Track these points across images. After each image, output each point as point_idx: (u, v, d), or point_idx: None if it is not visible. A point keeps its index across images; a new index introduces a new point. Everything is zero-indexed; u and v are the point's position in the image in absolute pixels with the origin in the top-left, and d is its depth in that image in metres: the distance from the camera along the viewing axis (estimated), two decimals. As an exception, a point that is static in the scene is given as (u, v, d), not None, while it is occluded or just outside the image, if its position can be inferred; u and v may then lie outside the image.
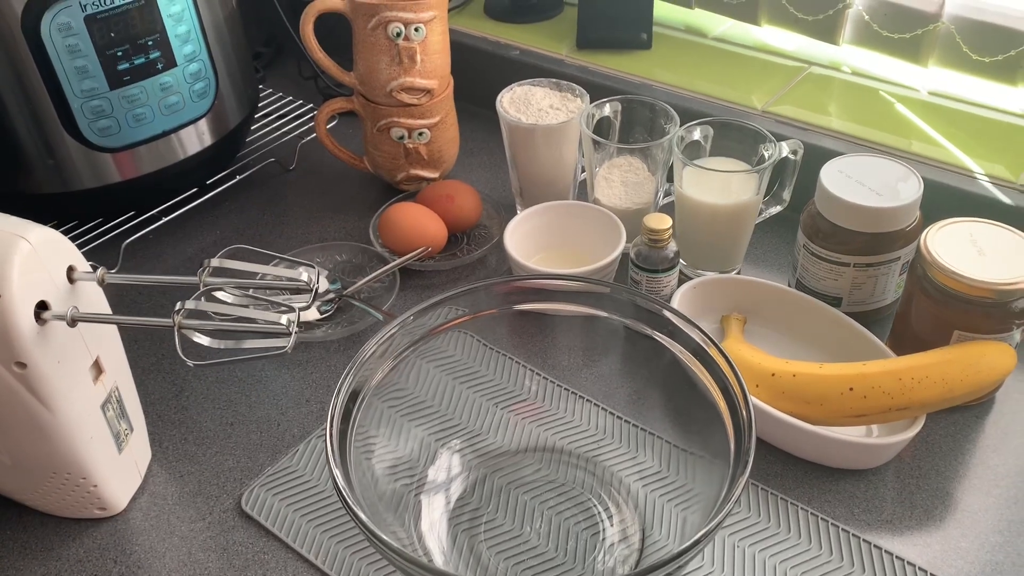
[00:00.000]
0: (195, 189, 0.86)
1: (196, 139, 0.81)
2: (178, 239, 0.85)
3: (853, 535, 0.57)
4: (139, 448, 0.62)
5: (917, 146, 0.77)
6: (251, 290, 0.53)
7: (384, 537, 0.45)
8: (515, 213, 0.85)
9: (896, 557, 0.56)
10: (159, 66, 0.75)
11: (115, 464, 0.59)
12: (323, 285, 0.76)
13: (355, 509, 0.46)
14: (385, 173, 0.87)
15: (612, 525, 0.58)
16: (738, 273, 0.77)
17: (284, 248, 0.82)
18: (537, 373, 0.64)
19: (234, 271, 0.52)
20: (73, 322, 0.51)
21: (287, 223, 0.87)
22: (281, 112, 0.97)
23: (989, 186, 0.73)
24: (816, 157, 0.73)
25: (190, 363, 0.50)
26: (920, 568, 0.55)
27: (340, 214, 0.87)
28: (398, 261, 0.75)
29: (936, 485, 0.60)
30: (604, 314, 0.59)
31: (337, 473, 0.48)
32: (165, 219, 0.83)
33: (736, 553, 0.56)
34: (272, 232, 0.86)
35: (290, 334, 0.49)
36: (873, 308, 0.70)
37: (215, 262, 0.52)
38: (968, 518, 0.58)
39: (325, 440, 0.49)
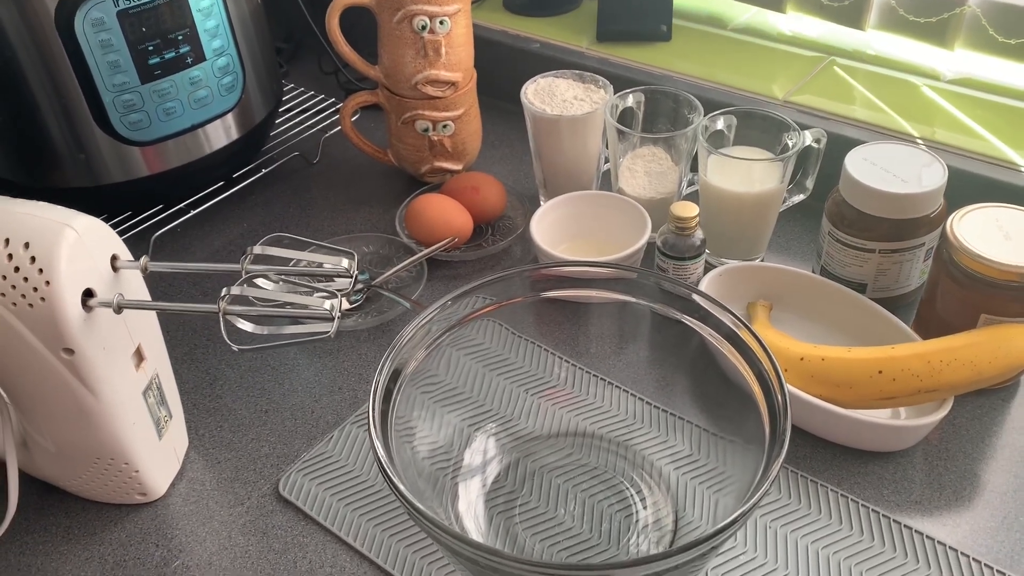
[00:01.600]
0: (222, 183, 0.87)
1: (223, 133, 0.82)
2: (206, 232, 0.86)
3: (883, 515, 0.58)
4: (177, 435, 0.63)
5: (941, 133, 0.78)
6: (292, 277, 0.54)
7: (424, 510, 0.46)
8: (539, 204, 0.85)
9: (926, 537, 0.56)
10: (189, 60, 0.76)
11: (155, 450, 0.60)
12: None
13: (396, 482, 0.47)
14: (409, 165, 0.88)
15: (645, 508, 0.59)
16: (762, 261, 0.78)
17: (314, 240, 0.83)
18: (566, 360, 0.65)
19: (275, 258, 0.53)
20: (119, 309, 0.52)
21: (313, 215, 0.88)
22: (304, 107, 0.98)
23: (1014, 172, 0.73)
24: (839, 146, 0.73)
25: (235, 347, 0.51)
26: (951, 547, 0.56)
27: (365, 206, 0.88)
28: (425, 251, 0.76)
29: (964, 467, 0.61)
30: (633, 300, 0.60)
31: (379, 449, 0.49)
32: (193, 212, 0.84)
33: (768, 534, 0.57)
34: (298, 224, 0.87)
35: (333, 319, 0.50)
36: (898, 294, 0.71)
37: (257, 249, 0.53)
38: (996, 499, 0.59)
39: (368, 417, 0.50)
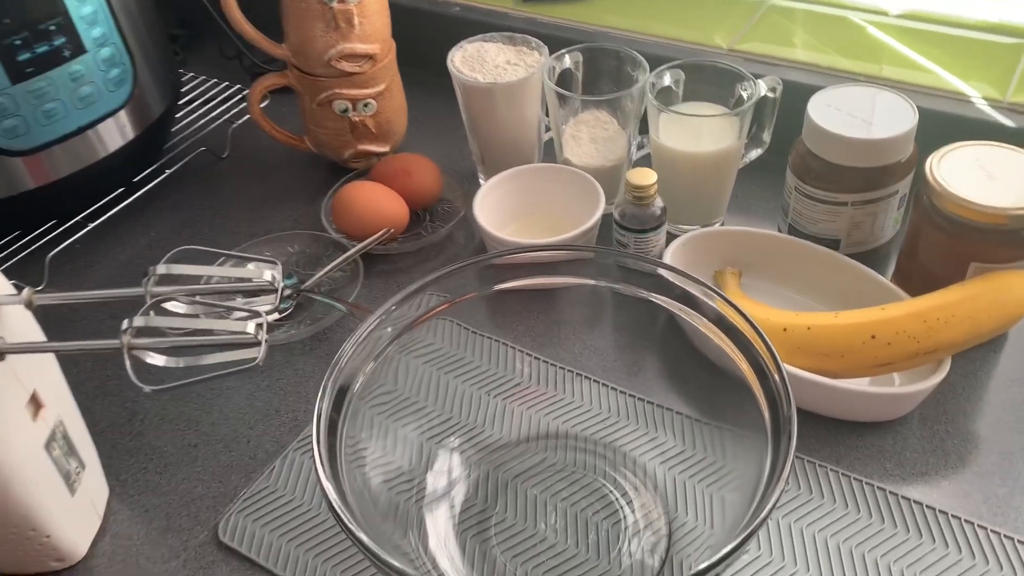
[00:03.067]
0: (121, 189, 0.78)
1: (117, 133, 0.73)
2: (109, 246, 0.77)
3: (890, 492, 0.53)
4: (94, 485, 0.55)
5: (897, 72, 0.73)
6: (206, 296, 0.46)
7: (393, 562, 0.40)
8: (478, 183, 0.79)
9: (939, 511, 0.52)
10: (66, 53, 0.66)
11: (68, 508, 0.52)
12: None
13: (356, 532, 0.40)
14: (330, 151, 0.80)
15: (633, 511, 0.53)
16: (722, 225, 0.72)
17: (228, 244, 0.75)
18: (529, 354, 0.59)
19: (184, 277, 0.45)
20: (1, 355, 0.43)
21: (228, 217, 0.79)
22: (207, 96, 0.89)
23: (983, 107, 0.69)
24: (792, 94, 0.68)
25: (146, 388, 0.43)
26: (966, 520, 0.51)
27: (285, 201, 0.80)
28: (358, 247, 0.69)
29: (965, 428, 0.57)
30: (596, 282, 0.54)
31: (332, 493, 0.42)
32: (91, 225, 0.75)
33: (769, 526, 0.52)
34: (212, 228, 0.78)
35: (260, 343, 0.42)
36: (873, 247, 0.66)
37: (161, 268, 0.45)
38: (1005, 461, 0.55)
39: (314, 457, 0.43)
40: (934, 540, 0.51)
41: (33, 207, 0.73)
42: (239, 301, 0.47)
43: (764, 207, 0.74)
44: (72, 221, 0.75)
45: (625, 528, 0.52)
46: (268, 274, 0.45)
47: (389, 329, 0.51)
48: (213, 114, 0.87)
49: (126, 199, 0.77)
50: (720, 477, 0.51)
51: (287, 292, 0.67)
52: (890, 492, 0.53)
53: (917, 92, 0.71)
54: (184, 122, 0.86)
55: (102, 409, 0.62)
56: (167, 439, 0.60)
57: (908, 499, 0.53)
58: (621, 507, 0.53)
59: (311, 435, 0.44)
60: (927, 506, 0.52)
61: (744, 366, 0.48)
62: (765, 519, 0.40)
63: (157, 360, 0.44)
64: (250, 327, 0.42)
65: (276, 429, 0.60)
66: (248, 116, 0.85)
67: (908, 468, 0.55)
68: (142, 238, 0.78)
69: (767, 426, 0.45)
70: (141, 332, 0.43)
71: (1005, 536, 0.50)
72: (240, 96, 0.89)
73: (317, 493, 0.56)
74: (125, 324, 0.42)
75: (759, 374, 0.47)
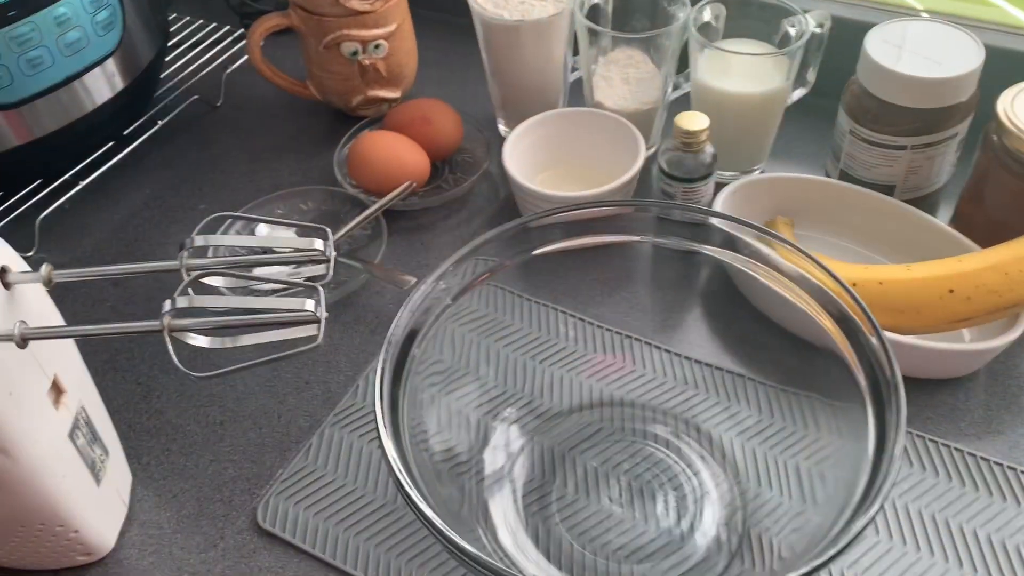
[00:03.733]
0: (111, 144, 0.72)
1: (105, 83, 0.67)
2: (101, 206, 0.71)
3: (968, 454, 0.51)
4: (118, 473, 0.51)
5: (950, 4, 0.69)
6: (250, 269, 0.41)
7: (468, 547, 0.36)
8: (497, 130, 0.74)
9: (1021, 471, 0.50)
10: (50, -6, 0.60)
11: (95, 499, 0.47)
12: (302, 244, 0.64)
13: (429, 516, 0.37)
14: (337, 98, 0.74)
15: (701, 482, 0.50)
16: (762, 172, 0.68)
17: (233, 202, 0.70)
18: (586, 320, 0.55)
19: (224, 247, 0.40)
20: (23, 341, 0.38)
21: (228, 171, 0.73)
22: (195, 39, 0.82)
23: (1037, 39, 0.65)
24: (838, 29, 0.64)
25: (195, 376, 0.38)
26: (1050, 480, 0.49)
27: (290, 153, 0.75)
28: (381, 203, 0.64)
29: (1037, 382, 0.54)
30: (648, 238, 0.50)
31: (402, 475, 0.38)
32: (82, 184, 0.69)
33: (846, 493, 0.49)
34: (213, 184, 0.72)
35: (319, 320, 0.38)
36: (928, 192, 0.63)
37: (198, 240, 0.40)
38: (1083, 415, 0.53)
39: (379, 439, 0.39)
40: (1019, 503, 0.48)
41: (16, 166, 0.66)
42: (286, 272, 0.43)
43: (806, 150, 0.70)
44: (60, 180, 0.69)
45: (694, 500, 0.49)
46: (318, 242, 0.40)
47: (441, 297, 0.47)
48: (204, 58, 0.80)
49: (116, 155, 0.71)
50: (803, 448, 0.48)
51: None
52: (968, 453, 0.51)
53: (976, 27, 0.67)
54: (174, 68, 0.79)
55: (115, 387, 0.58)
56: (189, 417, 0.56)
57: (987, 459, 0.50)
58: (688, 478, 0.50)
59: (373, 408, 0.40)
60: (1008, 466, 0.50)
61: (829, 326, 0.44)
62: (883, 504, 0.37)
63: (200, 341, 0.39)
64: (308, 304, 0.37)
65: (308, 403, 0.56)
66: (241, 60, 0.80)
67: (983, 426, 0.52)
68: (136, 196, 0.72)
69: (864, 395, 0.42)
70: (181, 312, 0.38)
71: (1092, 495, 0.48)
72: (231, 39, 0.82)
73: (361, 470, 0.52)
74: (167, 306, 0.37)
75: (849, 336, 0.43)
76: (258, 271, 0.43)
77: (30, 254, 0.67)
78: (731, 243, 0.48)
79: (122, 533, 0.50)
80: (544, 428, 0.53)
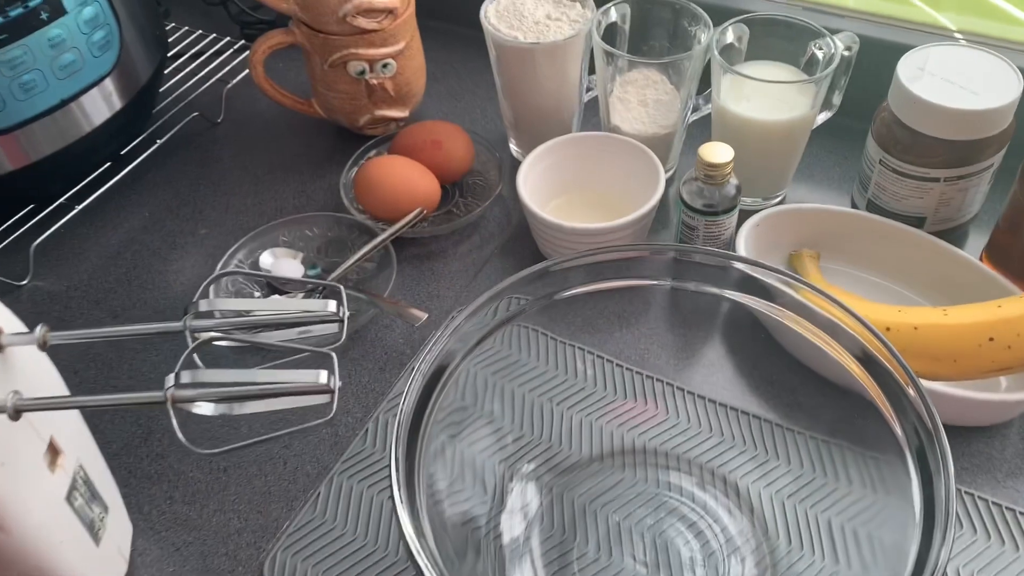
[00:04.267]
0: (108, 164, 0.69)
1: (103, 104, 0.64)
2: (97, 229, 0.69)
3: (1006, 508, 0.48)
4: (118, 528, 0.48)
5: (985, 24, 0.66)
6: (256, 330, 0.39)
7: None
8: (509, 150, 0.71)
9: (1063, 529, 0.48)
10: (43, 16, 0.57)
11: (94, 560, 0.45)
12: (297, 270, 0.62)
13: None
14: (343, 117, 0.71)
15: (728, 538, 0.48)
16: (782, 200, 0.66)
17: (236, 227, 0.67)
18: (609, 360, 0.53)
19: (228, 312, 0.38)
20: (16, 414, 0.36)
21: (230, 192, 0.71)
22: (194, 52, 0.79)
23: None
24: (866, 49, 0.61)
25: (200, 451, 0.36)
26: (1092, 539, 0.47)
27: (294, 173, 0.72)
28: (389, 232, 0.61)
29: (1075, 430, 0.52)
30: (668, 283, 0.48)
31: (421, 559, 0.36)
32: (78, 207, 0.67)
33: (860, 541, 0.47)
34: (214, 207, 0.70)
35: (332, 391, 0.35)
36: (957, 224, 0.60)
37: (203, 304, 0.38)
38: (1124, 467, 0.50)
39: (395, 505, 0.37)
40: (1065, 564, 0.46)
41: (11, 191, 0.64)
42: (295, 332, 0.41)
43: (830, 174, 0.68)
44: (55, 204, 0.66)
45: (723, 558, 0.47)
46: (331, 305, 0.38)
47: (459, 348, 0.44)
48: (204, 72, 0.77)
49: (114, 176, 0.69)
50: (836, 503, 0.46)
51: (309, 285, 0.60)
52: (1006, 508, 0.48)
53: (1011, 50, 0.64)
54: (172, 83, 0.77)
55: (113, 429, 0.55)
56: (191, 462, 0.54)
57: (1027, 515, 0.48)
58: (715, 534, 0.48)
59: (389, 472, 0.38)
60: (1050, 523, 0.48)
61: (859, 372, 0.42)
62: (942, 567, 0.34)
63: (205, 410, 0.37)
64: (322, 376, 0.35)
65: (315, 448, 0.54)
66: (242, 74, 0.77)
67: (1021, 478, 0.50)
68: (135, 218, 0.70)
69: (903, 446, 0.40)
70: (188, 384, 0.35)
71: None
72: (232, 51, 0.79)
73: (372, 523, 0.50)
74: (168, 381, 0.35)
75: (883, 386, 0.41)
76: (266, 335, 0.40)
77: (24, 282, 0.64)
78: (754, 286, 0.46)
79: (123, 590, 0.48)
80: (563, 482, 0.50)
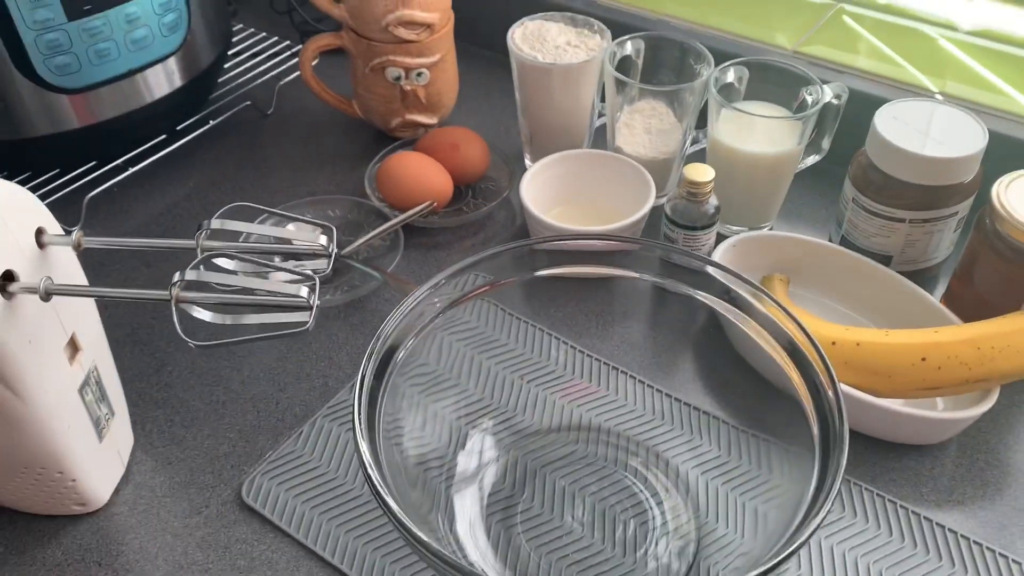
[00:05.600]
0: (164, 136, 0.77)
1: (165, 79, 0.72)
2: (146, 192, 0.76)
3: (924, 518, 0.52)
4: (121, 434, 0.55)
5: (966, 90, 0.72)
6: (258, 256, 0.45)
7: (422, 536, 0.39)
8: (524, 164, 0.77)
9: (973, 542, 0.51)
10: (124, -6, 0.65)
11: (95, 454, 0.51)
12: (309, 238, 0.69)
13: (388, 500, 0.40)
14: (378, 118, 0.78)
15: (662, 512, 0.52)
16: (771, 229, 0.71)
17: (269, 203, 0.74)
18: (572, 345, 0.58)
19: (237, 233, 0.44)
20: (47, 295, 0.43)
21: (269, 174, 0.78)
22: (256, 51, 0.88)
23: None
24: (854, 102, 0.67)
25: (192, 343, 0.42)
26: (1000, 553, 0.50)
27: (328, 164, 0.79)
28: (402, 217, 0.68)
29: (1005, 459, 0.56)
30: (637, 275, 0.53)
31: (367, 458, 0.41)
32: (131, 170, 0.74)
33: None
34: (253, 185, 0.77)
35: (310, 307, 0.41)
36: (924, 267, 0.64)
37: (215, 223, 0.44)
38: (1044, 496, 0.54)
39: (353, 422, 0.42)
40: (967, 570, 0.50)
41: (74, 146, 0.72)
42: (290, 263, 0.47)
43: (816, 214, 0.73)
44: (112, 164, 0.74)
45: (653, 529, 0.51)
46: (323, 238, 0.44)
47: (435, 304, 0.50)
48: (261, 69, 0.85)
49: (167, 147, 0.76)
50: (757, 487, 0.50)
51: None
52: (924, 517, 0.52)
53: (985, 113, 0.69)
54: (231, 74, 0.85)
55: (131, 358, 0.62)
56: (195, 394, 0.60)
57: (942, 526, 0.52)
58: (650, 507, 0.52)
59: (352, 400, 0.43)
60: (961, 535, 0.51)
61: (795, 377, 0.47)
62: (807, 539, 0.39)
63: (203, 315, 0.43)
64: (303, 291, 0.41)
65: (306, 393, 0.60)
66: (295, 74, 0.85)
67: (944, 495, 0.54)
68: (180, 188, 0.77)
69: (815, 443, 0.44)
70: (190, 286, 0.42)
71: (1040, 573, 0.50)
72: (289, 53, 0.88)
73: (344, 462, 0.55)
74: (176, 277, 0.41)
75: (811, 388, 0.45)
76: (265, 259, 0.46)
77: (74, 229, 0.72)
78: (716, 287, 0.51)
79: (117, 490, 0.54)
80: (521, 443, 0.55)
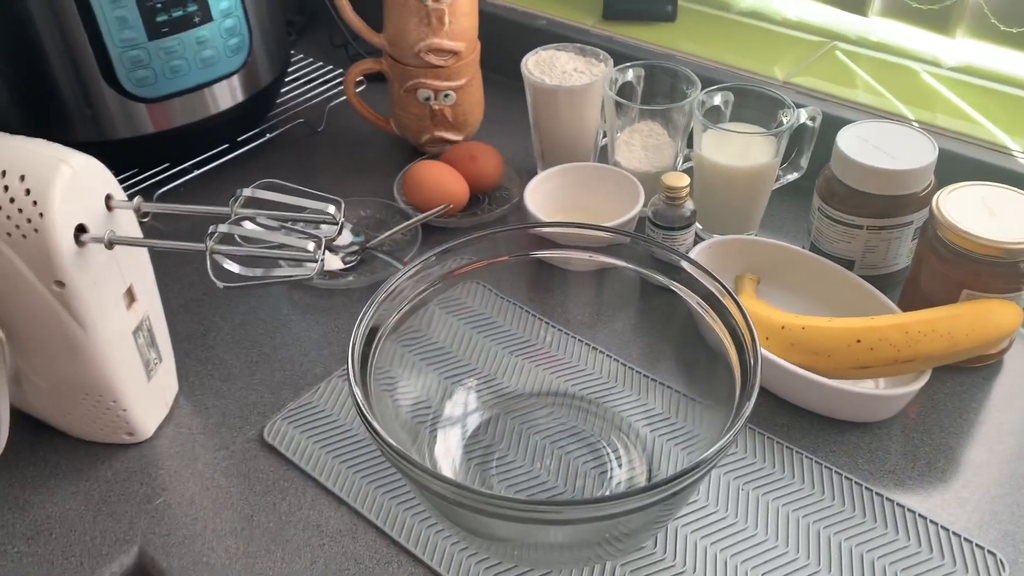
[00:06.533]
0: (226, 145, 0.88)
1: (229, 94, 0.84)
2: (209, 192, 0.88)
3: (855, 483, 0.58)
4: (167, 379, 0.65)
5: (938, 118, 0.78)
6: (280, 221, 0.55)
7: (398, 447, 0.47)
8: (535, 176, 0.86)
9: (896, 504, 0.57)
10: (196, 20, 0.77)
11: (144, 390, 0.61)
12: (347, 237, 0.79)
13: (372, 422, 0.48)
14: (410, 135, 0.89)
15: (620, 466, 0.60)
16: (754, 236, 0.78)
17: (311, 203, 0.85)
18: (552, 325, 0.66)
19: (265, 202, 0.54)
20: (110, 244, 0.53)
21: (314, 180, 0.89)
22: (311, 76, 1.00)
23: (1006, 156, 0.74)
24: (837, 127, 0.74)
25: (220, 285, 0.52)
26: (920, 515, 0.56)
27: (365, 173, 0.90)
28: (420, 216, 0.77)
29: (940, 440, 0.61)
30: (621, 263, 0.61)
31: (358, 392, 0.50)
32: (197, 172, 0.86)
33: (741, 495, 0.58)
34: (300, 187, 0.88)
35: (316, 260, 0.51)
36: (886, 272, 0.71)
37: (247, 192, 0.54)
38: (970, 471, 0.59)
39: (348, 360, 0.51)
40: (886, 526, 0.56)
41: (149, 149, 0.84)
42: (306, 226, 0.56)
43: (798, 227, 0.80)
44: (180, 167, 0.86)
45: (610, 479, 0.59)
46: (331, 208, 0.54)
47: (426, 278, 0.59)
48: (315, 92, 0.97)
49: (229, 154, 0.88)
50: (694, 442, 0.57)
51: (354, 247, 0.76)
52: (855, 482, 0.58)
53: (950, 136, 0.76)
54: (289, 95, 0.97)
55: (184, 323, 0.72)
56: (233, 355, 0.70)
57: (871, 490, 0.58)
58: (611, 461, 0.60)
59: (348, 351, 0.52)
60: (887, 498, 0.57)
61: (729, 344, 0.54)
62: (710, 466, 0.46)
63: (232, 267, 0.53)
64: (310, 245, 0.50)
65: (327, 359, 0.69)
66: (344, 97, 0.96)
67: (879, 465, 0.60)
68: (237, 189, 0.88)
69: (736, 391, 0.51)
70: (223, 240, 0.52)
71: (953, 533, 0.55)
72: (340, 79, 0.99)
73: (351, 412, 0.64)
74: (211, 229, 0.51)
75: (738, 349, 0.53)
76: (285, 224, 0.56)
77: (145, 220, 0.83)
78: (677, 276, 0.59)
79: (161, 427, 0.64)
80: (503, 403, 0.64)
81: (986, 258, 0.61)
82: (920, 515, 0.56)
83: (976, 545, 0.55)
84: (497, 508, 0.45)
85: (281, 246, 0.51)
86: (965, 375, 0.66)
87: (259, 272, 0.53)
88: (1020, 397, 0.64)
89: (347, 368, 0.51)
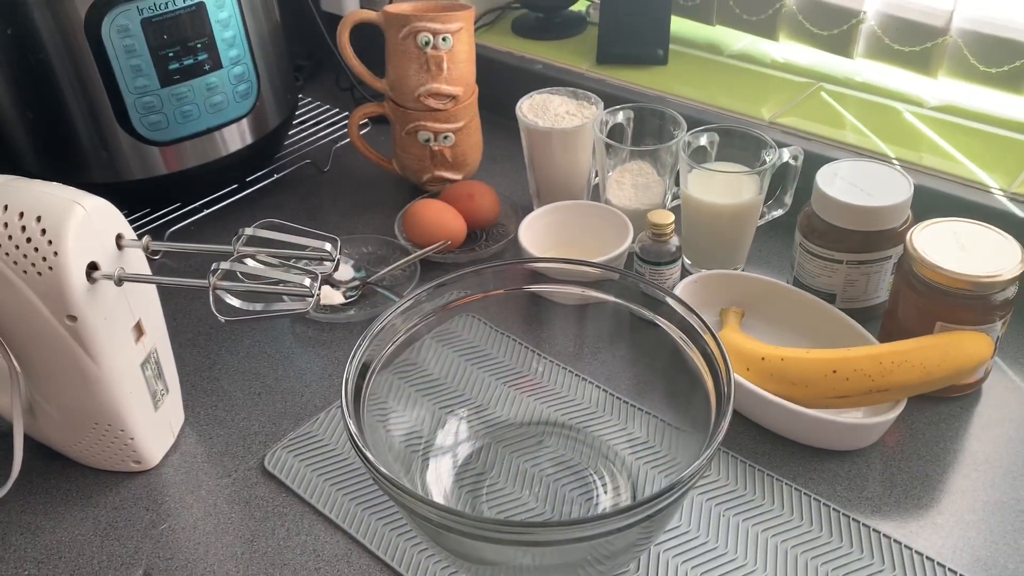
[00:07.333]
0: (235, 185, 0.92)
1: (238, 137, 0.88)
2: (218, 230, 0.91)
3: (833, 509, 0.60)
4: (173, 409, 0.68)
5: (919, 156, 0.81)
6: (279, 259, 0.58)
7: (387, 472, 0.49)
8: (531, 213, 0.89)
9: (873, 530, 0.59)
10: (206, 67, 0.81)
11: (151, 420, 0.64)
12: (348, 273, 0.82)
13: (364, 451, 0.50)
14: (412, 174, 0.92)
15: (606, 492, 0.62)
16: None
17: (315, 240, 0.88)
18: (543, 356, 0.69)
19: (266, 240, 0.57)
20: (120, 281, 0.56)
21: (319, 218, 0.92)
22: (318, 119, 1.04)
23: (983, 192, 0.76)
24: (821, 165, 0.77)
25: (222, 319, 0.55)
26: (895, 540, 0.58)
27: (368, 211, 0.93)
28: (419, 252, 0.80)
29: (917, 468, 0.63)
30: (610, 298, 0.63)
31: (351, 423, 0.52)
32: (206, 211, 0.90)
33: (722, 521, 0.60)
34: (304, 226, 0.91)
35: (312, 295, 0.54)
36: (866, 305, 0.73)
37: (249, 231, 0.58)
38: (946, 498, 0.61)
39: (341, 391, 0.53)
40: (862, 551, 0.58)
41: (162, 189, 0.87)
42: (303, 263, 0.59)
43: (783, 262, 0.82)
44: (191, 206, 0.89)
45: (596, 505, 0.61)
46: (328, 246, 0.57)
47: (420, 311, 0.62)
48: (321, 134, 1.01)
49: (238, 194, 0.92)
50: (674, 468, 0.59)
51: (355, 283, 0.80)
52: (833, 509, 0.60)
53: (929, 174, 0.79)
54: (296, 138, 1.01)
55: (192, 356, 0.75)
56: (237, 386, 0.73)
57: (848, 516, 0.60)
58: (597, 488, 0.62)
59: (342, 381, 0.55)
60: (863, 524, 0.59)
61: (704, 371, 0.56)
62: (688, 485, 0.48)
63: (234, 301, 0.56)
64: (306, 280, 0.53)
65: (326, 390, 0.72)
66: (348, 139, 1.00)
67: (856, 492, 0.62)
68: (245, 227, 0.92)
69: (712, 415, 0.53)
70: (226, 276, 0.55)
71: (927, 558, 0.57)
72: (346, 121, 1.03)
73: (348, 441, 0.67)
74: (214, 266, 0.54)
75: (714, 378, 0.55)
76: (283, 261, 0.59)
77: (156, 258, 0.87)
78: (661, 310, 0.61)
79: (167, 455, 0.67)
80: (493, 432, 0.66)
81: (957, 291, 0.63)
82: (896, 540, 0.58)
83: (949, 570, 0.56)
84: (481, 531, 0.47)
85: (280, 282, 0.54)
86: (943, 405, 0.68)
87: (259, 307, 0.56)
88: (996, 426, 0.66)
89: (340, 401, 0.53)
